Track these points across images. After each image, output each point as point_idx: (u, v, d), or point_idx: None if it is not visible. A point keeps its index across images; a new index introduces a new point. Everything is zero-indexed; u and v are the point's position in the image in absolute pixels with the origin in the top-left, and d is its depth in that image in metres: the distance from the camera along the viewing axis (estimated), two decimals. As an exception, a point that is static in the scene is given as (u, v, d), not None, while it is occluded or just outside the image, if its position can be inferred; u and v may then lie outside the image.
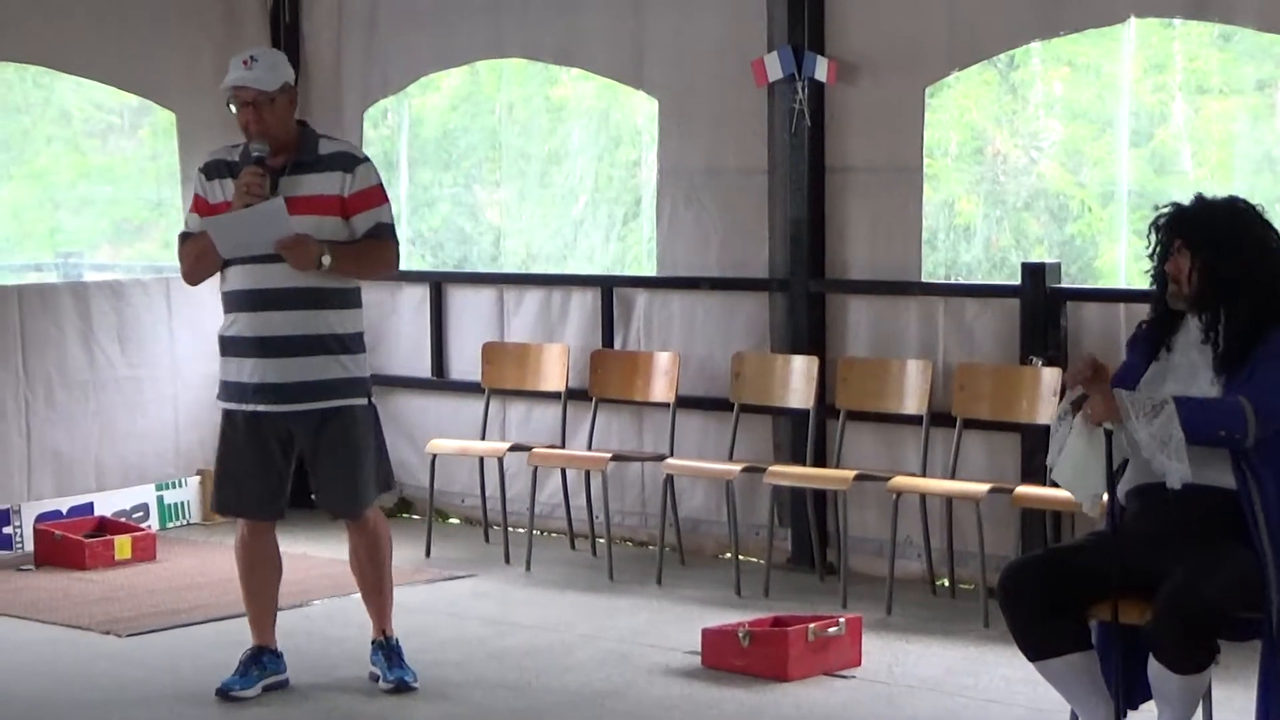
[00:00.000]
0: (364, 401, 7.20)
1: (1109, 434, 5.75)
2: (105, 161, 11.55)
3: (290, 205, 6.93)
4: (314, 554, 9.65)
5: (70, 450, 10.30)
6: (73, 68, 10.61)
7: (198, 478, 10.66)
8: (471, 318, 10.81)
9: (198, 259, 7.17)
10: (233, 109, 7.06)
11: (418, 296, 11.02)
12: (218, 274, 7.24)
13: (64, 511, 10.19)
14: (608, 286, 10.24)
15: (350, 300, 7.16)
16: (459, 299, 10.91)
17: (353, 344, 7.16)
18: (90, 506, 10.27)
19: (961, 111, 9.63)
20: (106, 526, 10.08)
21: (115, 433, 10.46)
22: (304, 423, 7.11)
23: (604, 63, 10.30)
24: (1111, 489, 5.86)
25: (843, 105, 9.34)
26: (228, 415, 7.23)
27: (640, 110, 10.41)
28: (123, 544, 9.77)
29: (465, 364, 10.75)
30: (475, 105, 11.37)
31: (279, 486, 7.24)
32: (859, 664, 7.64)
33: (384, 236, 7.13)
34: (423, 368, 11.00)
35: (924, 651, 7.93)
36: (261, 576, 7.35)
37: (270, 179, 6.98)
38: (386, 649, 7.39)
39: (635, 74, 10.13)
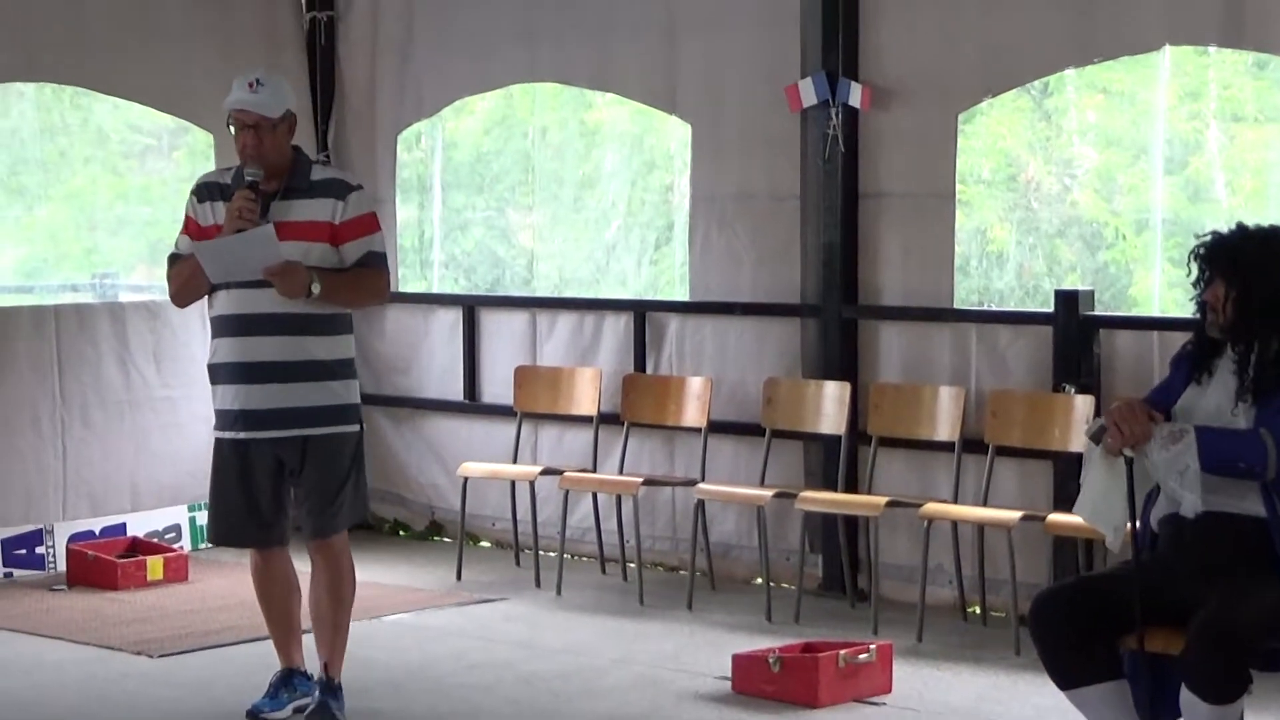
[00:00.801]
0: (354, 428, 7.10)
1: (1129, 462, 5.75)
2: (142, 182, 11.59)
3: (279, 230, 6.86)
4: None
5: (105, 470, 10.32)
6: (111, 89, 10.66)
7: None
8: (504, 341, 10.82)
9: (186, 282, 7.11)
10: (231, 130, 7.00)
11: (450, 320, 11.04)
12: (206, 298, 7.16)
13: (97, 532, 10.22)
14: (640, 311, 10.25)
15: (338, 326, 7.07)
16: (492, 322, 10.92)
17: (340, 370, 7.06)
18: (123, 527, 10.30)
19: (995, 138, 9.64)
20: (139, 547, 10.10)
21: (150, 453, 10.48)
22: (290, 449, 7.01)
23: (637, 88, 10.32)
24: (1133, 518, 5.85)
25: (876, 131, 9.34)
26: (218, 444, 7.13)
27: (674, 135, 10.43)
28: (155, 565, 9.80)
29: (497, 387, 10.76)
30: (509, 129, 11.40)
31: (273, 515, 7.13)
32: (890, 691, 7.63)
33: (375, 265, 7.05)
34: (455, 391, 11.00)
35: (955, 679, 7.92)
36: (279, 602, 7.29)
37: (262, 203, 6.92)
38: (325, 687, 7.16)
39: (668, 99, 10.15)
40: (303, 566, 7.34)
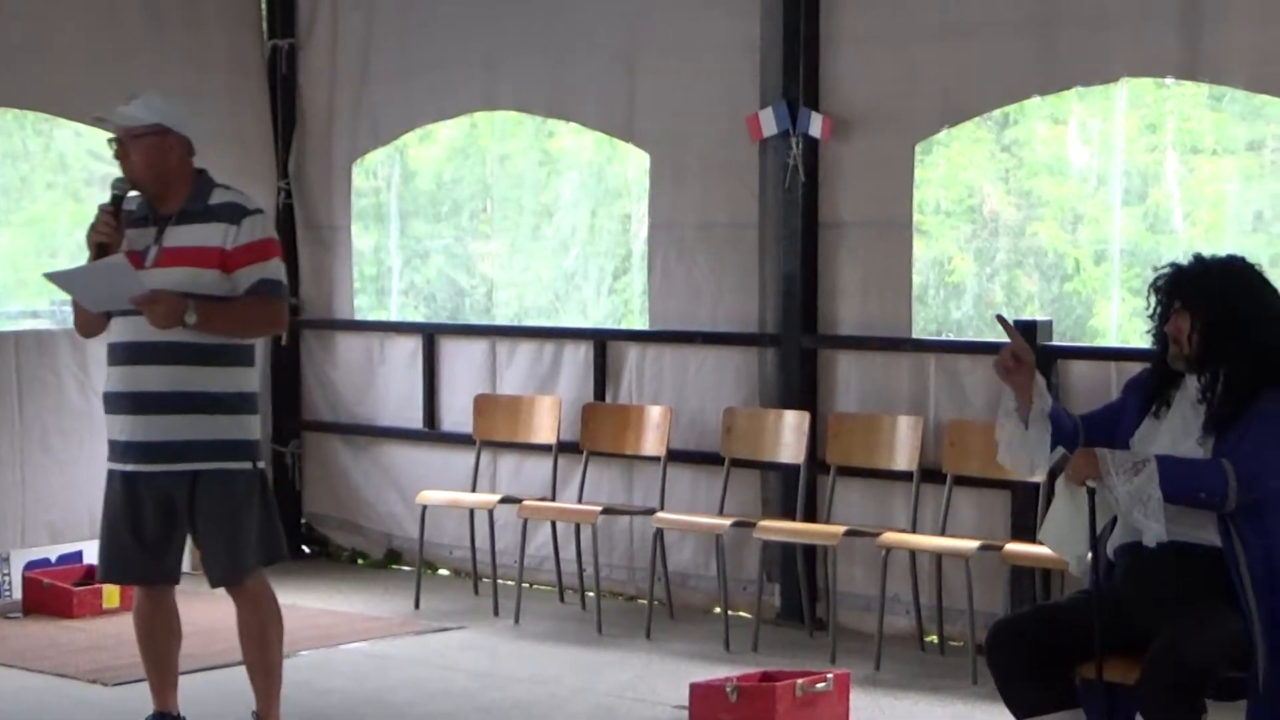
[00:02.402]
0: (246, 465, 6.79)
1: (1092, 492, 5.76)
2: (102, 210, 11.54)
3: (165, 256, 6.66)
4: (303, 604, 9.63)
5: (65, 497, 10.27)
6: (74, 114, 10.62)
7: (187, 527, 10.63)
8: (464, 369, 10.82)
9: (80, 311, 6.90)
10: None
11: (410, 348, 11.03)
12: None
13: (53, 559, 10.17)
14: (600, 340, 10.25)
15: (234, 358, 6.77)
16: (451, 351, 10.92)
17: (234, 404, 6.76)
18: (79, 554, 10.25)
19: (956, 169, 9.66)
20: (94, 575, 10.04)
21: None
22: (178, 484, 6.74)
23: (595, 116, 10.33)
24: (1094, 547, 5.86)
25: (835, 161, 9.37)
26: (109, 476, 6.91)
27: (636, 164, 10.43)
28: (110, 592, 9.75)
29: (457, 415, 10.75)
30: (471, 157, 11.40)
31: (162, 549, 6.89)
32: (847, 720, 7.65)
33: (266, 294, 6.74)
34: (414, 419, 10.99)
35: (912, 708, 7.92)
36: (161, 644, 7.06)
37: (159, 229, 6.71)
38: None
39: (626, 127, 10.17)
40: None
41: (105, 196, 6.86)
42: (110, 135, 6.80)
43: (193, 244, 6.70)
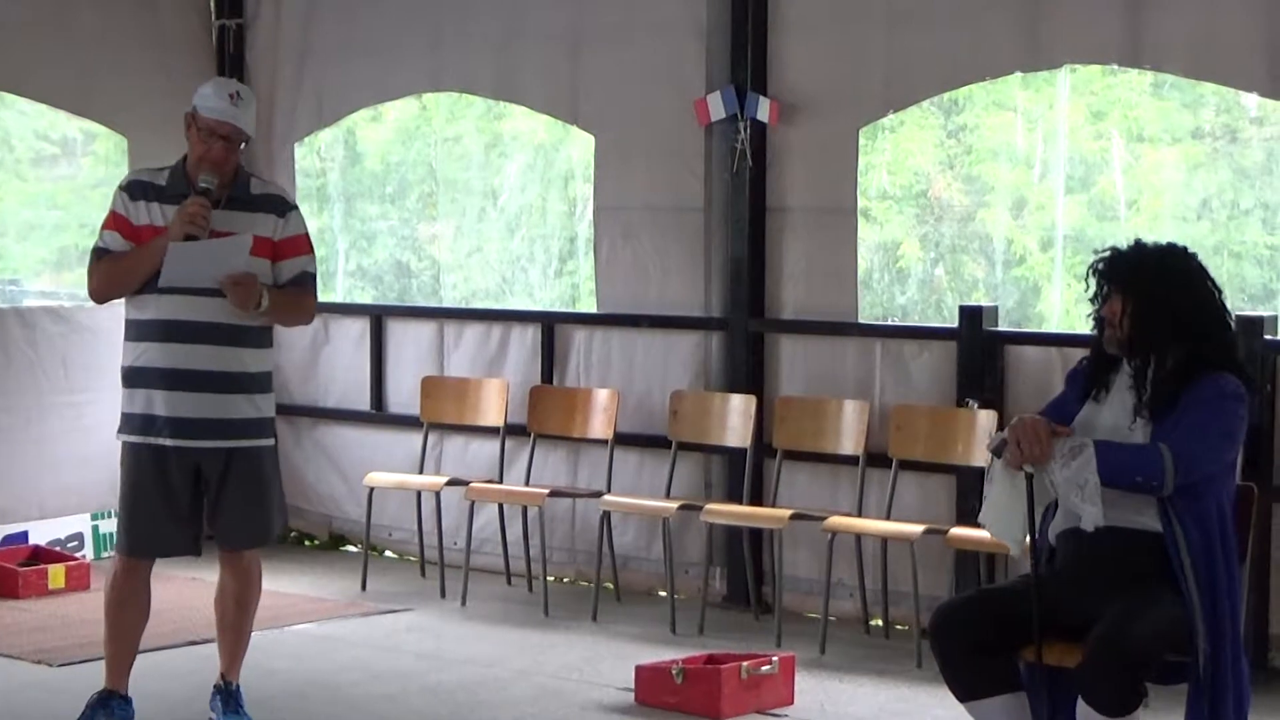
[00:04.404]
0: (270, 442, 7.08)
1: (1030, 477, 5.80)
2: (50, 189, 11.51)
3: None
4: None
5: (10, 477, 10.23)
6: (23, 90, 10.59)
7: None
8: (411, 351, 10.81)
9: (119, 279, 6.94)
10: (194, 129, 6.91)
11: (357, 329, 11.02)
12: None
13: (-3, 540, 10.16)
14: (548, 323, 10.27)
15: (265, 339, 7.04)
16: (399, 332, 10.92)
17: (264, 383, 7.04)
18: (25, 535, 10.22)
19: (904, 155, 9.70)
20: (40, 555, 10.02)
21: (56, 460, 10.40)
22: (212, 459, 6.93)
23: (541, 98, 10.33)
24: (1033, 532, 5.91)
25: (782, 145, 9.39)
26: (133, 450, 6.97)
27: (584, 147, 10.43)
28: (56, 573, 9.72)
29: (404, 397, 10.75)
30: (419, 139, 11.39)
31: (191, 521, 7.03)
32: (792, 703, 7.66)
33: (309, 286, 7.07)
34: (361, 401, 10.99)
35: (856, 691, 7.96)
36: (131, 617, 7.11)
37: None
38: (225, 694, 7.16)
39: (572, 110, 10.17)
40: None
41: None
42: (204, 124, 6.93)
43: (251, 232, 6.91)
